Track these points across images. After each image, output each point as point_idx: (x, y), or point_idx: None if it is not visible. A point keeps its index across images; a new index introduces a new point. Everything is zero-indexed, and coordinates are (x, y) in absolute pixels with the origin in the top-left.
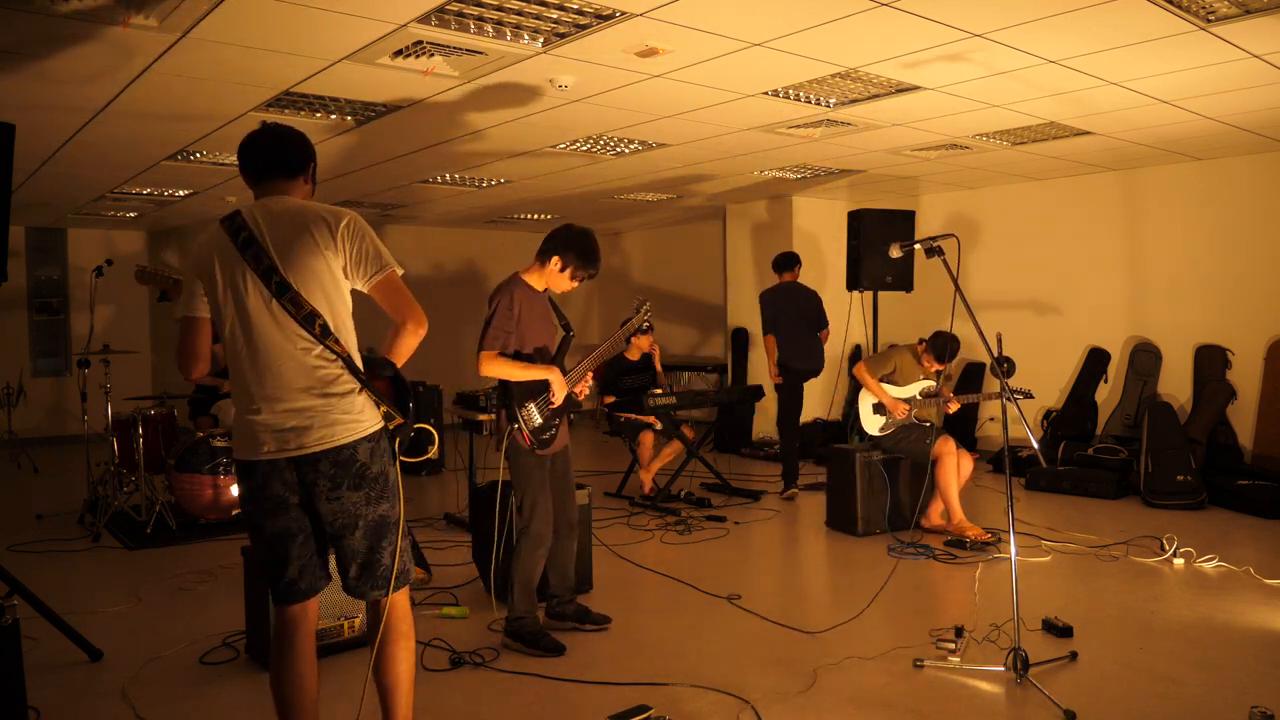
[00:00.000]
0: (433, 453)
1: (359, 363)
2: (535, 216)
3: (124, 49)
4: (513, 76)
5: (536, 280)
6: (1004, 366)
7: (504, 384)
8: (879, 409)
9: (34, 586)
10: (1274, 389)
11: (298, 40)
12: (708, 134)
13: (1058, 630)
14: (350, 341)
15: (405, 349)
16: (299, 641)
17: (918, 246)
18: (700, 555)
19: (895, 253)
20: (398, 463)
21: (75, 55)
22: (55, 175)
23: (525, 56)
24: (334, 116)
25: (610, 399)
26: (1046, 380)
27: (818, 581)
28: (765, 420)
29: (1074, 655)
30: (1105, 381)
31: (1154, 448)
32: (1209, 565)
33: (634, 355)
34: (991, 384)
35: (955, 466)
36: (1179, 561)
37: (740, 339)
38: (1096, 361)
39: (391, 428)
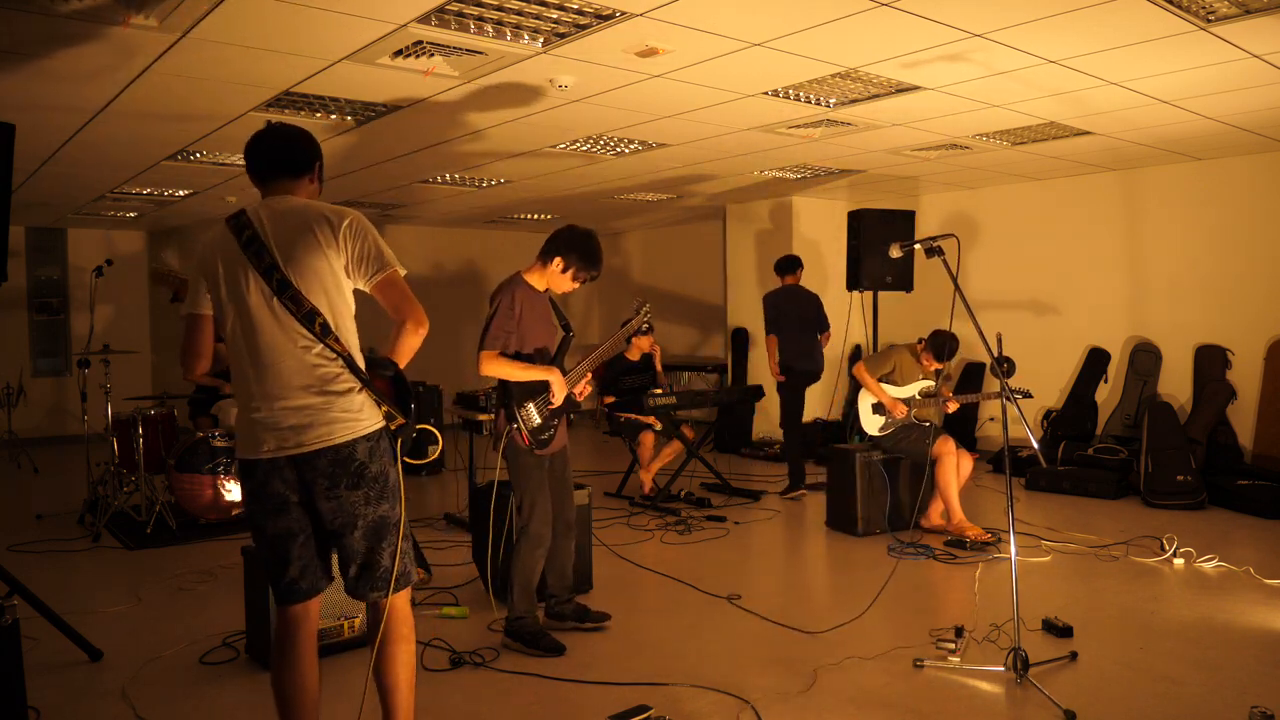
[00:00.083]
0: (435, 454)
1: (360, 362)
2: (535, 216)
3: (124, 49)
4: (513, 76)
5: (538, 280)
6: (1004, 366)
7: (503, 384)
8: (879, 409)
9: (34, 586)
10: (1274, 389)
11: (298, 40)
12: (708, 134)
13: (1058, 630)
14: (351, 341)
15: (407, 349)
16: (300, 641)
17: (918, 246)
18: (700, 555)
19: (895, 253)
20: (399, 463)
21: (75, 55)
22: (55, 175)
23: (525, 56)
24: (334, 116)
25: (610, 399)
26: (1046, 380)
27: (818, 581)
28: (765, 420)
29: (1074, 655)
30: (1105, 381)
31: (1154, 448)
32: (1209, 565)
33: (634, 355)
34: (991, 384)
35: (955, 466)
36: (1179, 561)
37: (740, 339)
38: (1096, 361)
39: (393, 428)
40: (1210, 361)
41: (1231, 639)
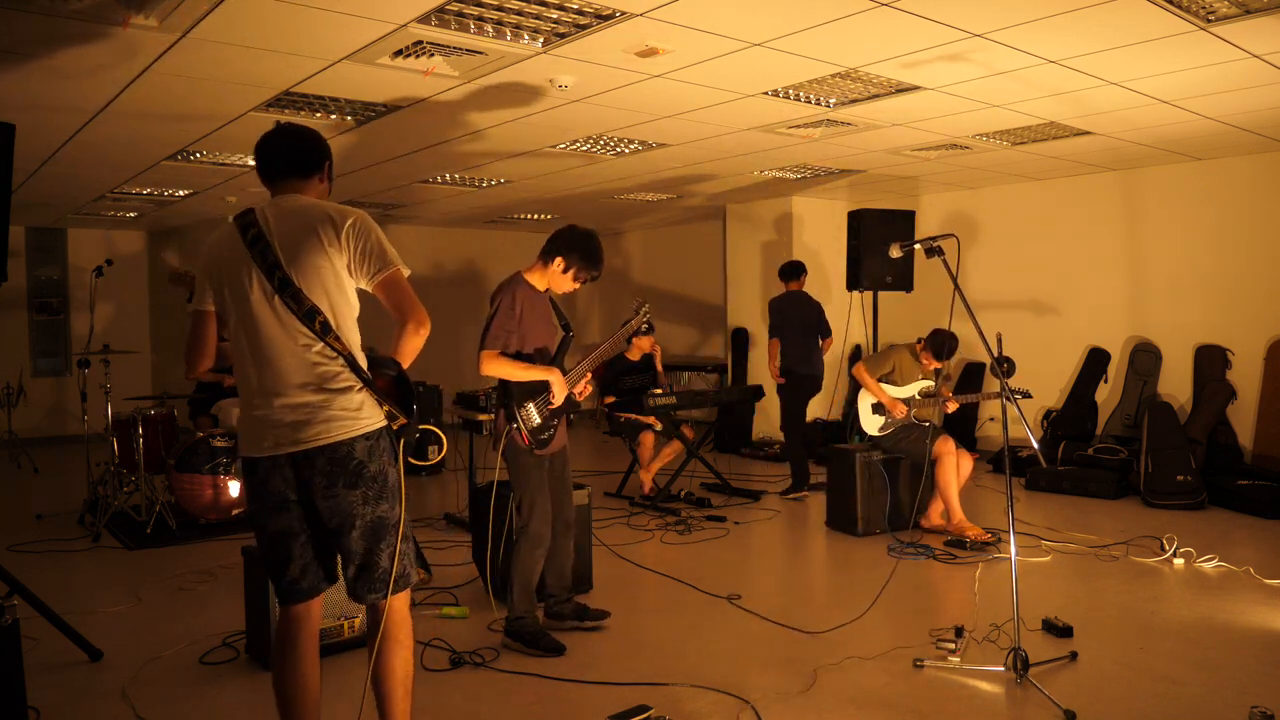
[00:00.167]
0: (437, 457)
1: (363, 361)
2: (535, 216)
3: (124, 49)
4: (513, 76)
5: (538, 280)
6: (1004, 366)
7: (503, 384)
8: (878, 409)
9: (34, 586)
10: (1274, 389)
11: (298, 40)
12: (708, 134)
13: (1058, 630)
14: (353, 340)
15: (409, 349)
16: (302, 641)
17: (918, 246)
18: (700, 555)
19: (895, 253)
20: (401, 464)
21: (76, 55)
22: (55, 175)
23: (525, 56)
24: (334, 116)
25: (610, 399)
26: (1046, 380)
27: (818, 581)
28: (765, 420)
29: (1074, 655)
30: (1105, 381)
31: (1154, 448)
32: (1209, 565)
33: (635, 356)
34: (991, 384)
35: (955, 466)
36: (1179, 561)
37: (740, 339)
38: (1096, 361)
39: (395, 428)
40: (1210, 361)
41: (1231, 639)
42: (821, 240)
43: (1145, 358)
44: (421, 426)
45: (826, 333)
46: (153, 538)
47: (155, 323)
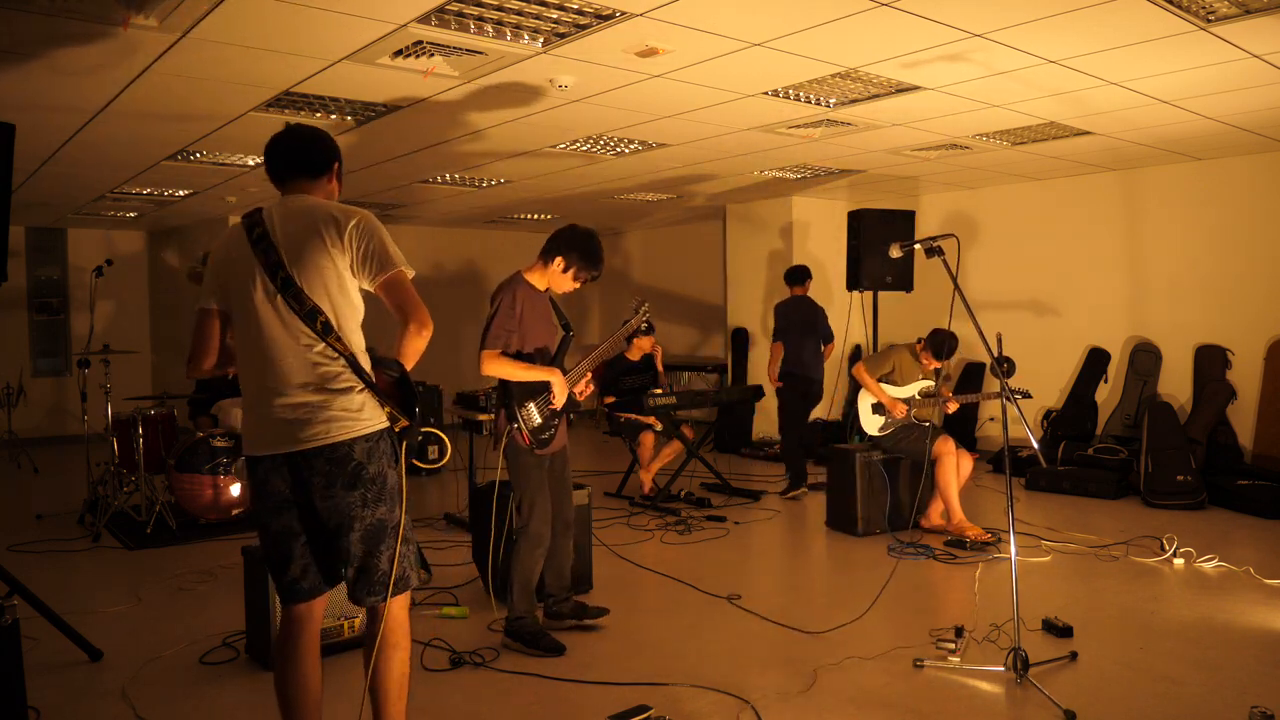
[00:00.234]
0: (440, 460)
1: (365, 362)
2: (535, 216)
3: (124, 49)
4: (513, 76)
5: (539, 280)
6: (1004, 366)
7: (504, 383)
8: (878, 409)
9: (34, 586)
10: (1274, 389)
11: (298, 40)
12: (708, 134)
13: (1058, 630)
14: (355, 341)
15: (411, 350)
16: (304, 641)
17: (917, 246)
18: (700, 555)
19: (895, 253)
20: (403, 465)
21: (76, 55)
22: (55, 175)
23: (525, 56)
24: (334, 116)
25: (610, 399)
26: (1046, 380)
27: (818, 581)
28: (765, 420)
29: (1074, 655)
30: (1105, 381)
31: (1154, 448)
32: (1209, 565)
33: (635, 355)
34: (991, 384)
35: (955, 466)
36: (1179, 561)
37: (740, 339)
38: (1096, 361)
39: (397, 429)
40: (1210, 361)
41: (1231, 639)
42: (821, 240)
43: (1145, 358)
44: (423, 429)
45: (829, 338)
46: (153, 538)
47: (155, 323)
